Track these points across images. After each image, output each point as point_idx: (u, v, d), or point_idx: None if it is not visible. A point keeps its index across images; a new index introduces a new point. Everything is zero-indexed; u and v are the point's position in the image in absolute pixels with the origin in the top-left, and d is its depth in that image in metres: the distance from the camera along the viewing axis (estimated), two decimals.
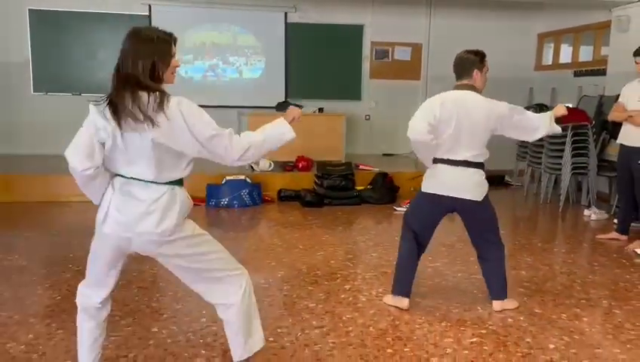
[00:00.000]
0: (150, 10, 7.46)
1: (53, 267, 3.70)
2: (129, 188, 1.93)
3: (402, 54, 8.46)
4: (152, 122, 1.84)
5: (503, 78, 8.46)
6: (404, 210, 5.68)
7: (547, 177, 6.33)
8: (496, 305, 3.08)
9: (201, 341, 2.64)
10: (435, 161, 2.95)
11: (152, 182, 1.93)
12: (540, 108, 7.19)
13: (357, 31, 8.20)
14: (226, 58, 7.84)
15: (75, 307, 2.13)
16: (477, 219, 3.03)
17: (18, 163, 6.58)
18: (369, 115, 8.37)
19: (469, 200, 2.91)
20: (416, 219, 3.08)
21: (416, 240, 3.05)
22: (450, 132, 2.86)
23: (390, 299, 3.13)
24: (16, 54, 7.20)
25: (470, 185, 2.92)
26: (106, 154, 1.91)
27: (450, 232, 4.55)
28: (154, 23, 7.45)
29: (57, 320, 2.84)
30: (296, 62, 8.01)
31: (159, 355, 2.50)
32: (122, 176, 1.94)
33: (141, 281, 3.42)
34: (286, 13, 7.90)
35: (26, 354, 2.48)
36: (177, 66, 2.02)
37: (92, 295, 2.06)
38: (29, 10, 7.17)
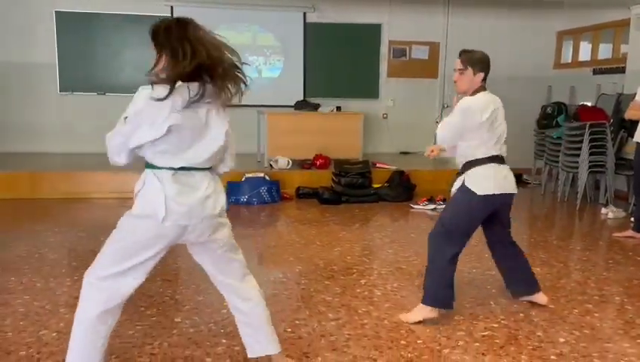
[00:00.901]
0: (172, 12, 7.63)
1: (81, 260, 3.86)
2: (183, 177, 1.99)
3: (420, 53, 8.51)
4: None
5: (521, 76, 8.48)
6: (421, 207, 5.80)
7: (564, 175, 6.33)
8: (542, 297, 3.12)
9: (222, 331, 2.76)
10: (485, 160, 2.87)
11: (203, 169, 2.04)
12: (558, 106, 7.21)
13: (375, 30, 8.27)
14: (245, 58, 7.91)
15: None
16: (509, 212, 3.07)
17: (44, 160, 6.80)
18: (386, 114, 8.44)
19: (514, 194, 2.97)
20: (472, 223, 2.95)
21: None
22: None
23: (427, 312, 2.89)
24: (43, 55, 7.43)
25: (513, 180, 2.97)
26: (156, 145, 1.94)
27: None
28: None
29: None
30: (314, 62, 8.11)
31: (182, 343, 2.63)
32: (171, 167, 1.97)
33: (165, 274, 3.56)
34: (305, 13, 8.00)
35: (57, 341, 2.62)
36: None
37: (125, 285, 2.04)
38: (56, 12, 7.39)
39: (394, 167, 6.68)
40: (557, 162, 6.45)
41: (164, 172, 1.97)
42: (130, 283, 2.06)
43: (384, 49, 8.34)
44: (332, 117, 7.09)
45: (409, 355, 2.55)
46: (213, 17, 7.78)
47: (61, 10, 7.39)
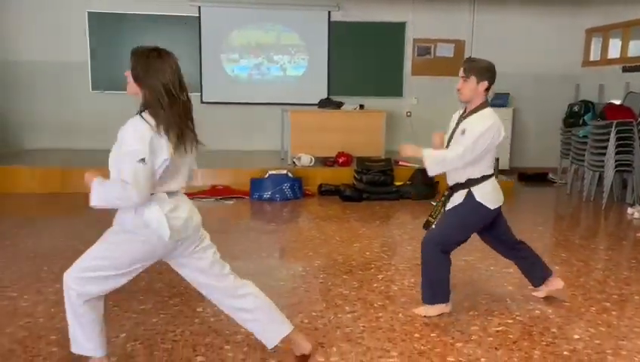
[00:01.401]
0: (200, 12, 7.79)
1: None
2: (174, 200, 2.18)
3: (444, 51, 8.48)
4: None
5: (548, 74, 8.39)
6: None
7: (590, 175, 6.25)
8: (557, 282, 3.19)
9: None
10: (488, 176, 2.94)
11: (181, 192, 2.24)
12: (585, 104, 7.11)
13: (399, 28, 8.28)
14: (270, 56, 8.09)
15: (126, 288, 2.34)
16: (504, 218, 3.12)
17: (76, 156, 7.04)
18: (410, 112, 8.44)
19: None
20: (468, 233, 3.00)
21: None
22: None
23: (434, 310, 2.98)
24: (76, 55, 7.68)
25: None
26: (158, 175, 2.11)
27: None
28: (203, 24, 7.80)
29: (114, 298, 3.11)
30: (338, 60, 8.18)
31: (203, 331, 2.74)
32: (165, 191, 2.15)
33: None
34: (329, 12, 8.07)
35: None
36: None
37: (102, 286, 2.18)
38: (88, 12, 7.63)
39: (416, 165, 6.69)
40: (583, 161, 6.37)
41: (160, 195, 2.14)
42: (105, 287, 2.20)
43: (408, 47, 8.34)
44: (355, 115, 7.14)
45: (422, 348, 2.60)
46: (240, 17, 7.94)
47: (93, 11, 7.63)
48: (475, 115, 2.88)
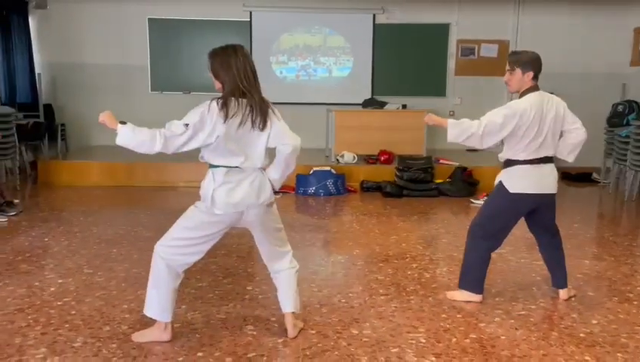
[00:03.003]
0: (251, 17, 8.23)
1: None
2: (233, 174, 2.46)
3: (488, 51, 8.60)
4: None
5: (594, 73, 8.38)
6: (481, 202, 5.98)
7: (632, 174, 6.27)
8: (564, 293, 3.25)
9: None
10: (521, 162, 3.04)
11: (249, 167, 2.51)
12: (630, 104, 7.10)
13: (443, 30, 8.47)
14: (317, 58, 8.45)
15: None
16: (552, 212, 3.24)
17: (138, 153, 7.58)
18: (453, 111, 8.59)
19: (553, 194, 3.13)
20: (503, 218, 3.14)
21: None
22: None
23: (462, 295, 3.19)
24: (137, 58, 8.28)
25: (554, 180, 3.13)
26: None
27: (521, 224, 4.78)
28: (253, 28, 8.24)
29: None
30: (382, 61, 8.44)
31: (252, 306, 3.10)
32: (223, 165, 2.46)
33: (239, 251, 4.09)
34: (374, 15, 8.35)
35: None
36: None
37: (190, 260, 2.57)
38: (149, 19, 8.22)
39: (457, 164, 6.89)
40: (625, 161, 6.39)
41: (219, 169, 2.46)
42: (188, 259, 2.56)
43: (452, 48, 8.52)
44: (397, 114, 7.39)
45: (447, 326, 2.87)
46: (288, 21, 8.34)
47: (153, 17, 8.21)
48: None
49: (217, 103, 2.40)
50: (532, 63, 3.02)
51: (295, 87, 8.38)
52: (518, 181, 3.05)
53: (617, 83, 8.26)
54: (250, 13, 8.24)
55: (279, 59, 8.37)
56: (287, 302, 2.73)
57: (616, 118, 7.03)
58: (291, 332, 2.72)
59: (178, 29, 8.24)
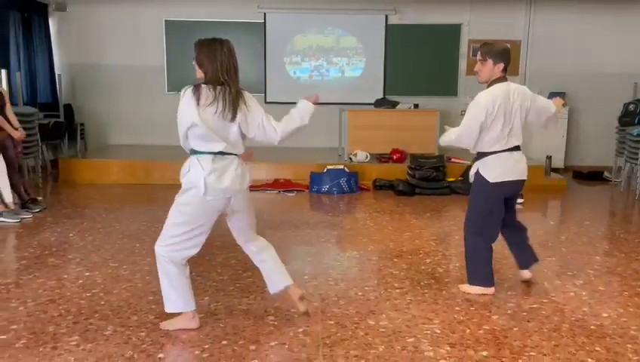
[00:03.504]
0: (265, 18, 8.37)
1: None
2: (217, 160, 2.61)
3: None
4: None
5: (605, 73, 8.42)
6: None
7: None
8: (527, 273, 3.47)
9: (305, 291, 3.32)
10: (496, 152, 3.17)
11: (232, 154, 2.66)
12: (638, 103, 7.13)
13: (454, 30, 8.55)
14: (330, 59, 8.57)
15: (206, 262, 2.85)
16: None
17: (155, 151, 7.77)
18: (464, 111, 8.65)
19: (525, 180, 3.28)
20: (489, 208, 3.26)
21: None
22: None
23: (473, 289, 3.29)
24: (153, 59, 8.45)
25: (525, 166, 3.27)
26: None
27: (533, 222, 4.87)
28: (268, 29, 8.38)
29: (196, 270, 3.66)
30: (394, 61, 8.54)
31: (272, 298, 3.20)
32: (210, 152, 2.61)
33: None
34: (386, 16, 8.45)
35: None
36: None
37: (190, 253, 2.69)
38: (165, 21, 8.38)
39: (468, 162, 6.95)
40: (637, 160, 6.44)
41: (205, 156, 2.62)
42: (187, 253, 2.69)
43: (464, 48, 8.59)
44: (409, 114, 7.49)
45: (461, 318, 2.97)
46: (302, 22, 8.46)
47: (169, 19, 8.37)
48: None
49: (191, 90, 2.57)
50: (503, 55, 3.13)
51: (308, 87, 8.47)
52: (496, 170, 3.16)
53: (629, 82, 8.30)
54: (265, 14, 8.37)
55: (293, 59, 8.50)
56: (284, 276, 2.92)
57: (628, 117, 7.07)
58: (302, 306, 2.93)
59: (194, 30, 8.38)
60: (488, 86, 3.15)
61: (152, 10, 8.33)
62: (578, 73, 8.48)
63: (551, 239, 4.60)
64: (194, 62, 2.65)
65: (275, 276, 2.92)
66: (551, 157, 7.15)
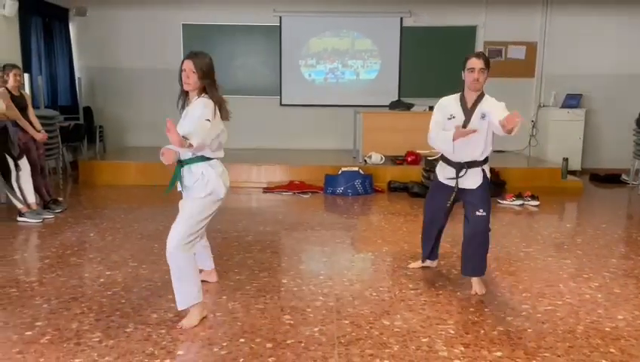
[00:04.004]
0: (281, 21, 8.45)
1: (208, 234, 4.69)
2: (221, 166, 2.97)
3: (516, 53, 8.64)
4: None
5: (623, 74, 8.35)
6: (508, 203, 6.07)
7: None
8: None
9: (320, 291, 3.37)
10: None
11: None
12: None
13: (470, 32, 8.54)
14: (345, 61, 8.61)
15: (218, 261, 2.91)
16: None
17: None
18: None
19: None
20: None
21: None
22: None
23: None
24: (171, 62, 8.52)
25: None
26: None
27: (549, 224, 4.87)
28: (283, 32, 8.45)
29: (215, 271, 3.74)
30: (409, 64, 8.56)
31: (289, 297, 3.27)
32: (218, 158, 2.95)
33: (274, 248, 4.27)
34: (401, 18, 8.47)
35: None
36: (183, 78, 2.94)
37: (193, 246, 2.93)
38: (183, 24, 8.50)
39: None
40: None
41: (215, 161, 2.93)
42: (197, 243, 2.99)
43: (479, 50, 8.56)
44: (424, 116, 7.45)
45: (475, 319, 2.99)
46: (318, 25, 8.52)
47: (187, 23, 8.49)
48: (489, 98, 3.30)
49: (213, 102, 2.85)
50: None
51: (323, 90, 8.55)
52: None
53: None
54: (280, 18, 8.45)
55: (308, 62, 8.56)
56: (211, 259, 3.47)
57: None
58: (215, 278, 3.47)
59: (211, 34, 8.50)
60: (481, 93, 3.32)
61: (170, 14, 8.46)
62: (595, 75, 8.42)
63: (567, 241, 4.59)
64: (195, 71, 2.88)
65: (206, 258, 3.44)
66: (567, 159, 7.11)
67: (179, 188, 3.05)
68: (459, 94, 3.42)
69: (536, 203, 6.03)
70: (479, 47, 8.55)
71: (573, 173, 7.66)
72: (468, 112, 3.32)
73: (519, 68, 8.63)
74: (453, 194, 3.44)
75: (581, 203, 6.48)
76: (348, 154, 7.82)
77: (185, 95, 3.02)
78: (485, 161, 3.40)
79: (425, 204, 3.75)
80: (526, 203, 6.05)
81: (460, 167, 3.39)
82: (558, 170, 7.03)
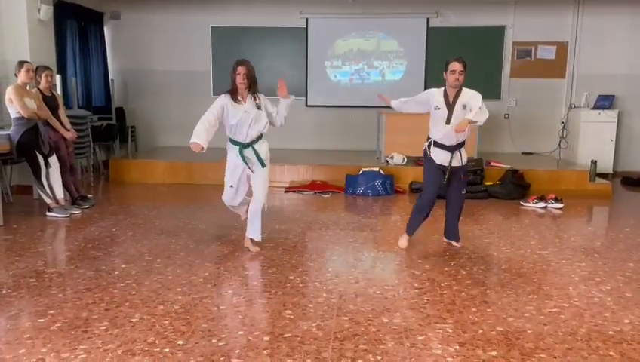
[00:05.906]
0: (307, 23, 8.53)
1: (223, 231, 4.81)
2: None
3: (546, 53, 8.46)
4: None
5: None
6: (531, 205, 5.97)
7: None
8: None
9: (324, 288, 3.42)
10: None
11: None
12: None
13: (498, 32, 8.41)
14: (370, 62, 8.63)
15: (230, 256, 2.99)
16: None
17: (197, 153, 8.04)
18: (508, 114, 8.53)
19: None
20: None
21: None
22: None
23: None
24: (200, 64, 8.78)
25: None
26: None
27: (570, 227, 4.76)
28: (310, 34, 8.53)
29: (224, 265, 3.84)
30: (435, 65, 8.46)
31: (293, 293, 3.33)
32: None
33: (285, 245, 4.34)
34: (428, 19, 8.42)
35: (203, 284, 3.47)
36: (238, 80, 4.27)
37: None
38: (212, 27, 8.70)
39: (507, 166, 6.86)
40: None
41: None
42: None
43: (507, 50, 8.44)
44: None
45: (476, 319, 2.98)
46: (343, 27, 8.56)
47: (216, 26, 8.68)
48: (468, 91, 4.16)
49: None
50: None
51: (348, 91, 8.59)
52: None
53: None
54: (307, 20, 8.54)
55: (333, 63, 8.61)
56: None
57: None
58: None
59: (239, 36, 8.66)
60: (459, 90, 4.14)
61: (200, 17, 8.66)
62: (628, 75, 8.16)
63: (585, 245, 4.49)
64: (244, 76, 4.38)
65: None
66: (596, 162, 6.92)
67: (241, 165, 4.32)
68: (442, 89, 4.20)
69: (560, 205, 5.91)
70: (507, 48, 8.43)
71: (604, 176, 7.45)
72: (450, 106, 4.11)
73: (549, 68, 8.44)
74: (447, 173, 4.13)
75: (608, 206, 6.30)
76: (371, 155, 7.83)
77: (235, 92, 4.40)
78: (464, 142, 4.21)
79: (426, 185, 4.28)
80: (549, 205, 5.93)
81: (452, 149, 4.13)
82: (587, 173, 6.85)
